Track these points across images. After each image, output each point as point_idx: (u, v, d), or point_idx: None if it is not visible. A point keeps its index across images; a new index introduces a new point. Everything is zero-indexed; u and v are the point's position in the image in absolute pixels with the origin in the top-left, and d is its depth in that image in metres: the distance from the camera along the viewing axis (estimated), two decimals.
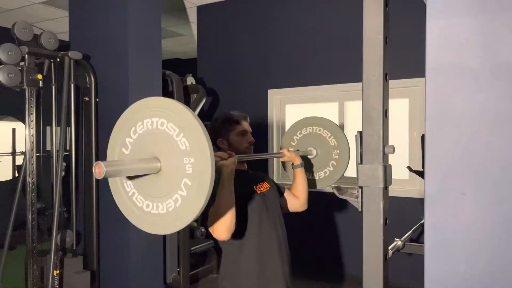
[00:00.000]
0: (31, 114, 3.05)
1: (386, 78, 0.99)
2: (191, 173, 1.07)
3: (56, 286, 3.00)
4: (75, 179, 3.31)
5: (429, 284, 0.77)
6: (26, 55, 2.95)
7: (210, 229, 1.58)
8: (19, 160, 5.49)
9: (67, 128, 3.23)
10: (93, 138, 3.28)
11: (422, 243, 0.83)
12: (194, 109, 4.04)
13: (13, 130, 5.69)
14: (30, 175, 3.01)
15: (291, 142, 2.30)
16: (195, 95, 4.27)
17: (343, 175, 2.22)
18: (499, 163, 0.73)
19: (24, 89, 2.99)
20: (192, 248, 3.90)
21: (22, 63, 2.95)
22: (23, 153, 3.40)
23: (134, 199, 1.18)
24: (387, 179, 0.98)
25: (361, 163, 1.00)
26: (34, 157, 3.06)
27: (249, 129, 1.93)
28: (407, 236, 1.67)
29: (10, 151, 5.72)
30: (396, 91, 3.79)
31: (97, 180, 3.30)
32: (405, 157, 3.87)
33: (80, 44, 3.42)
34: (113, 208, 3.53)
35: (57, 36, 3.18)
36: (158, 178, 1.13)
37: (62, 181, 3.12)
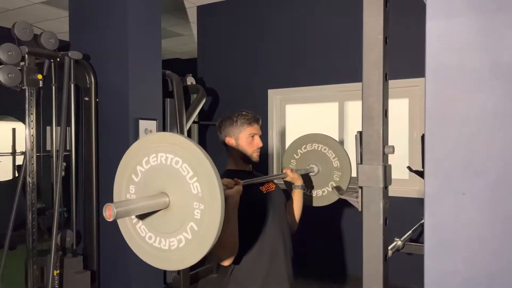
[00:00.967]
0: (31, 114, 3.05)
1: (386, 78, 0.99)
2: (199, 218, 1.07)
3: (56, 286, 3.00)
4: (75, 179, 3.31)
5: (429, 284, 0.77)
6: (26, 55, 2.96)
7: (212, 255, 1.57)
8: (19, 160, 5.50)
9: (67, 128, 3.24)
10: (93, 138, 3.27)
11: (422, 243, 0.83)
12: (194, 109, 4.05)
13: (13, 130, 5.69)
14: (30, 175, 3.01)
15: (294, 155, 2.27)
16: (195, 95, 4.28)
17: (338, 198, 2.18)
18: (499, 163, 0.73)
19: (24, 89, 2.99)
20: None
21: (22, 63, 2.95)
22: (23, 153, 3.40)
23: (137, 228, 1.18)
24: (387, 179, 0.98)
25: (361, 163, 1.00)
26: (34, 157, 3.06)
27: (260, 132, 1.88)
28: (407, 236, 1.67)
29: (10, 151, 5.73)
30: (396, 91, 3.79)
31: (97, 180, 3.30)
32: (405, 157, 3.87)
33: (80, 44, 3.42)
34: None
35: (57, 36, 3.18)
36: (165, 213, 1.12)
37: (62, 181, 3.13)
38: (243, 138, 1.83)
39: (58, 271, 3.01)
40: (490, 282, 0.73)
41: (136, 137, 3.14)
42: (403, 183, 3.85)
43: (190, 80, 4.35)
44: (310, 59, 4.39)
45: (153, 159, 1.14)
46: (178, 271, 3.69)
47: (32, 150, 3.05)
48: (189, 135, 4.32)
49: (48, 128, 3.63)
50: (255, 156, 1.85)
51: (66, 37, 3.69)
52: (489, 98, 0.73)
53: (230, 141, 1.84)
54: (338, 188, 2.11)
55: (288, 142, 4.27)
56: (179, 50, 7.19)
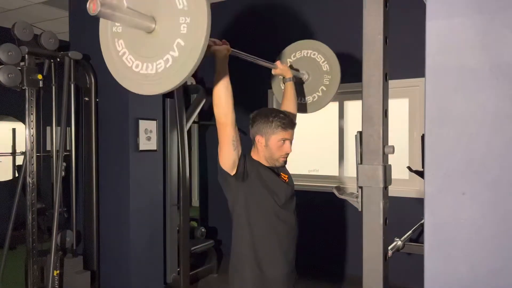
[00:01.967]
0: (31, 114, 3.05)
1: (386, 78, 0.99)
2: (185, 33, 1.06)
3: (56, 286, 3.00)
4: (75, 179, 3.30)
5: (429, 284, 0.77)
6: (26, 55, 2.95)
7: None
8: (19, 160, 5.50)
9: (67, 128, 3.23)
10: (93, 138, 3.27)
11: (422, 243, 0.83)
12: (194, 109, 4.04)
13: (13, 130, 5.69)
14: (30, 175, 3.01)
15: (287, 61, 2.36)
16: (195, 95, 4.28)
17: (329, 101, 2.31)
18: (499, 163, 0.73)
19: (24, 89, 2.99)
20: (192, 248, 3.90)
21: (22, 63, 2.95)
22: (23, 153, 3.40)
23: (124, 59, 1.17)
24: (387, 179, 0.98)
25: (361, 163, 1.00)
26: (34, 157, 3.05)
27: (292, 138, 1.84)
28: (407, 236, 1.67)
29: (10, 151, 5.73)
30: (396, 91, 3.79)
31: (97, 180, 3.30)
32: (405, 157, 3.86)
33: (80, 44, 3.42)
34: (113, 208, 3.53)
35: (57, 36, 3.18)
36: (151, 37, 1.11)
37: (62, 181, 3.12)
38: (274, 141, 1.79)
39: (58, 271, 3.01)
40: (490, 282, 0.73)
41: (136, 137, 3.15)
42: (403, 183, 3.85)
43: (190, 80, 4.35)
44: None
45: None
46: (178, 272, 3.68)
47: (32, 150, 3.05)
48: (189, 135, 4.31)
49: (48, 128, 3.63)
50: (281, 161, 1.82)
51: (66, 37, 3.68)
52: (489, 98, 0.73)
53: (260, 139, 1.81)
54: (338, 188, 2.11)
55: None
56: None
